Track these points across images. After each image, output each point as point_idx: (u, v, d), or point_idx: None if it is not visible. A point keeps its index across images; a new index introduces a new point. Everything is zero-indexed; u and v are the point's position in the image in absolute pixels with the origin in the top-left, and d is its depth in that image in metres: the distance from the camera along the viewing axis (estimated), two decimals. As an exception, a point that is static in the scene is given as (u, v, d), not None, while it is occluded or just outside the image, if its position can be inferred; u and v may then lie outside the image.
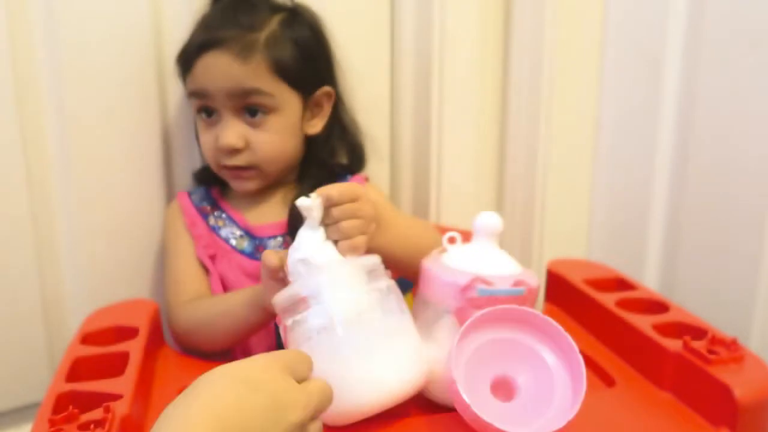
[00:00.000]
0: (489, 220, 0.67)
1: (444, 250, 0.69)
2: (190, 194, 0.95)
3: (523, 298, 0.64)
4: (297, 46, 0.88)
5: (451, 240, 0.69)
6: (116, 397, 0.59)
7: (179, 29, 0.91)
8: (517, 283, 0.63)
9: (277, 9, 0.90)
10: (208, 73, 0.84)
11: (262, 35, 0.85)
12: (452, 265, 0.65)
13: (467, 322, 0.59)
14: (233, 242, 0.89)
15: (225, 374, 0.46)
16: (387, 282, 0.65)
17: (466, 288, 0.62)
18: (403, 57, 1.11)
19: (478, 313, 0.60)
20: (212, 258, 0.89)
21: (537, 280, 0.66)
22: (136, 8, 0.90)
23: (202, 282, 0.88)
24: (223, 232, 0.90)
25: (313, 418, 0.50)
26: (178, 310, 0.86)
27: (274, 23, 0.87)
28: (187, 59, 0.87)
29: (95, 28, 0.88)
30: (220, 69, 0.83)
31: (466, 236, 0.70)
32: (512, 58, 1.11)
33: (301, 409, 0.47)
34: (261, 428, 0.44)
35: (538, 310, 0.64)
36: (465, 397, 0.55)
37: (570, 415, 0.55)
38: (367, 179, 0.98)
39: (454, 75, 1.08)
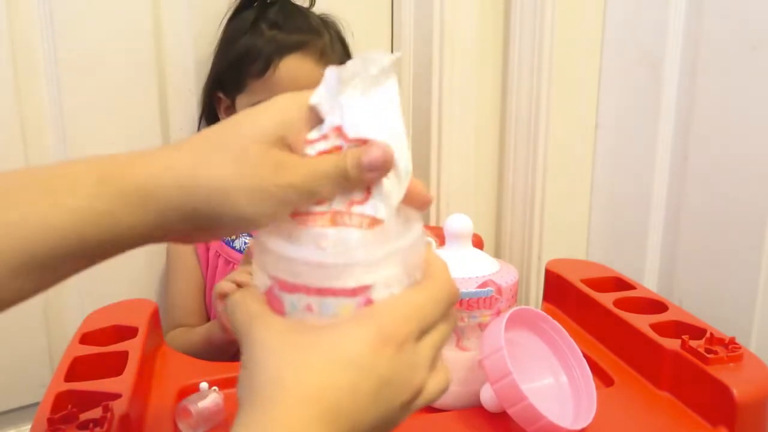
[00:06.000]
0: (459, 223, 0.67)
1: None
2: None
3: (498, 296, 0.64)
4: (344, 48, 0.92)
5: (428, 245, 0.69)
6: (115, 397, 0.59)
7: (179, 29, 0.91)
8: (483, 285, 0.63)
9: (315, 14, 0.93)
10: (292, 77, 0.84)
11: (326, 39, 0.88)
12: None
13: (503, 320, 0.60)
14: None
15: (332, 357, 0.38)
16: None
17: None
18: (403, 57, 1.11)
19: (506, 313, 0.61)
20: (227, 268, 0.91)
21: (513, 277, 0.66)
22: (137, 9, 0.91)
23: (199, 307, 0.92)
24: (237, 243, 0.91)
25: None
26: (167, 335, 0.89)
27: (324, 26, 0.90)
28: (264, 62, 0.85)
29: (95, 28, 0.88)
30: (305, 74, 0.84)
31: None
32: (512, 58, 1.11)
33: (412, 388, 0.40)
34: (374, 415, 0.39)
35: (534, 310, 0.64)
36: (523, 389, 0.56)
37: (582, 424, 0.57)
38: None
39: (454, 75, 1.08)
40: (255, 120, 0.41)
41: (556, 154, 1.11)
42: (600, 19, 1.08)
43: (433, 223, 1.13)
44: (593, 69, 1.10)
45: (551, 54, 1.06)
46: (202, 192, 0.39)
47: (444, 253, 0.68)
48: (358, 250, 0.40)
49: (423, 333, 0.40)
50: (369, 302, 0.40)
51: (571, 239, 1.15)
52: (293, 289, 0.40)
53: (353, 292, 0.40)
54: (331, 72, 0.41)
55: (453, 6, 1.06)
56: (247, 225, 0.40)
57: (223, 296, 0.75)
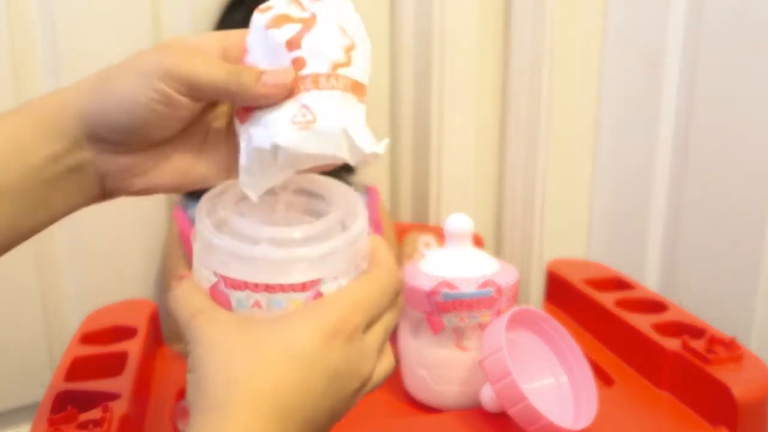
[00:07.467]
0: (459, 223, 0.67)
1: (423, 256, 0.69)
2: (186, 209, 0.94)
3: (498, 296, 0.64)
4: None
5: (427, 245, 0.69)
6: (115, 397, 0.59)
7: (179, 29, 0.91)
8: (484, 285, 0.63)
9: None
10: None
11: None
12: (425, 270, 0.66)
13: (503, 320, 0.59)
14: None
15: (282, 353, 0.38)
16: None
17: (432, 293, 0.63)
18: (403, 57, 1.11)
19: (507, 313, 0.61)
20: None
21: (513, 277, 0.66)
22: (137, 9, 0.91)
23: None
24: None
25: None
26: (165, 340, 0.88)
27: None
28: None
29: (95, 28, 0.88)
30: None
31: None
32: (512, 57, 1.11)
33: (361, 377, 0.41)
34: (326, 406, 0.39)
35: (535, 310, 0.64)
36: (523, 390, 0.56)
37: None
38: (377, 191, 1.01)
39: (454, 75, 1.08)
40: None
41: (556, 154, 1.10)
42: (600, 19, 1.08)
43: (433, 223, 1.13)
44: (593, 69, 1.10)
45: (551, 54, 1.06)
46: (107, 93, 0.42)
47: (444, 253, 0.68)
48: (305, 244, 0.40)
49: (371, 323, 0.41)
50: (319, 295, 0.40)
51: (571, 239, 1.15)
52: (240, 286, 0.39)
53: (303, 287, 0.39)
54: None
55: (453, 5, 1.06)
56: (156, 122, 0.42)
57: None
